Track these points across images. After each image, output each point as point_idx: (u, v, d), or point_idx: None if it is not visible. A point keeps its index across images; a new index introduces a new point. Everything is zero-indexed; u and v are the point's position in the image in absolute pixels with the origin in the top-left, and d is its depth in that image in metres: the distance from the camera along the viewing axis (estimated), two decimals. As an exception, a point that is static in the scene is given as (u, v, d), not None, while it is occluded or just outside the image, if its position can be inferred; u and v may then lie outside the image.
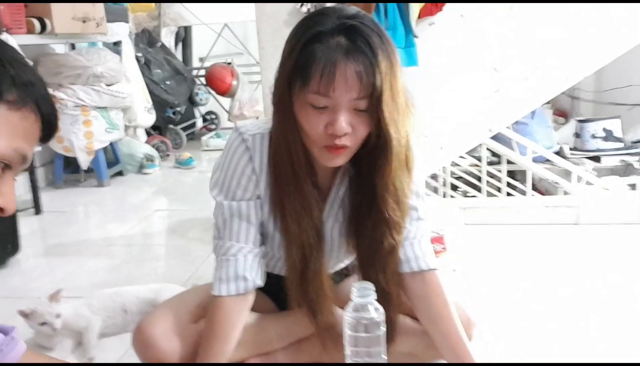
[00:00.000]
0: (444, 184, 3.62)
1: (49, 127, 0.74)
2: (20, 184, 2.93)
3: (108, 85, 3.38)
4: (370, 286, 0.93)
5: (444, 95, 2.02)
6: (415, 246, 1.17)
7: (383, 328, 0.94)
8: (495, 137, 3.33)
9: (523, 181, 3.93)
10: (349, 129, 0.99)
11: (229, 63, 4.83)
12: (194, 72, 5.07)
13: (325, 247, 1.17)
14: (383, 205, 1.09)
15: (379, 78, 0.96)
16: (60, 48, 3.54)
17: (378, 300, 0.97)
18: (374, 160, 1.06)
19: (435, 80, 2.02)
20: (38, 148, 2.77)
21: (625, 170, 4.33)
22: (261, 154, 1.12)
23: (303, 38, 0.99)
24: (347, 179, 1.15)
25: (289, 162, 1.08)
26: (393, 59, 1.00)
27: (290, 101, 1.02)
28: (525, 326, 1.51)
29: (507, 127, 3.40)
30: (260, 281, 1.16)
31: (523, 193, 3.79)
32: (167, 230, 2.68)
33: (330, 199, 1.16)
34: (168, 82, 4.39)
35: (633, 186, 3.91)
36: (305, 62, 0.97)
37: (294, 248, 1.13)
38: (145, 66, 4.22)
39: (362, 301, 0.92)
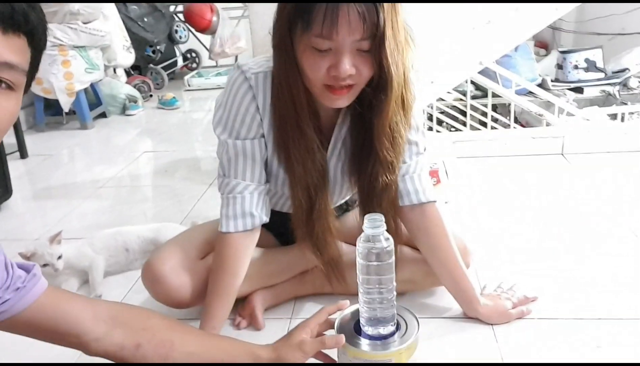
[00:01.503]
0: (430, 119, 3.64)
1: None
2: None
3: (85, 23, 3.26)
4: (380, 218, 0.96)
5: (436, 27, 2.00)
6: (415, 180, 1.21)
7: (393, 256, 0.98)
8: (479, 71, 3.33)
9: (504, 114, 3.97)
10: (352, 71, 0.98)
11: (208, -2, 4.67)
12: (172, 8, 4.90)
13: (330, 185, 1.20)
14: (378, 145, 1.11)
15: (382, 17, 0.95)
16: (31, -16, 3.38)
17: None
18: (373, 100, 1.07)
19: (427, 12, 2.00)
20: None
21: (605, 100, 4.39)
22: (264, 93, 1.12)
23: None
24: (349, 117, 1.16)
25: (291, 106, 1.08)
26: None
27: (292, 45, 1.01)
28: (515, 254, 1.57)
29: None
30: (265, 218, 1.19)
31: (505, 125, 3.84)
32: (156, 171, 2.68)
33: (334, 138, 1.18)
34: (146, 19, 4.24)
35: (613, 116, 3.98)
36: (306, 6, 0.95)
37: (300, 189, 1.15)
38: (120, 2, 4.06)
39: (373, 231, 0.95)
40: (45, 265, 1.49)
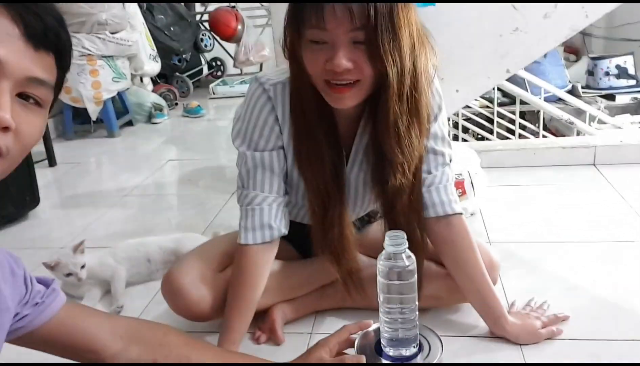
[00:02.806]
0: (456, 127, 3.58)
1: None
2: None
3: (113, 33, 3.31)
4: (402, 235, 0.93)
5: (461, 35, 1.97)
6: (441, 191, 1.18)
7: (415, 275, 0.95)
8: (507, 78, 3.26)
9: (533, 122, 3.89)
10: (348, 65, 0.95)
11: (233, 6, 4.70)
12: (197, 17, 4.95)
13: (348, 194, 1.18)
14: (383, 144, 1.07)
15: (373, 8, 0.92)
16: (60, -5, 3.45)
17: None
18: (377, 99, 1.04)
19: (452, 20, 1.96)
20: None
21: (638, 108, 4.27)
22: (283, 104, 1.12)
23: None
24: (370, 126, 1.13)
25: (300, 107, 1.08)
26: None
27: (298, 45, 1.00)
28: (545, 270, 1.52)
29: (521, 67, 3.32)
30: (284, 230, 1.18)
31: (534, 133, 3.75)
32: (181, 180, 2.69)
33: (354, 147, 1.16)
34: (172, 28, 4.29)
35: (646, 124, 3.86)
36: (302, 4, 0.96)
37: (311, 194, 1.14)
38: (147, 12, 4.11)
39: (394, 249, 0.92)
40: (69, 275, 1.50)
